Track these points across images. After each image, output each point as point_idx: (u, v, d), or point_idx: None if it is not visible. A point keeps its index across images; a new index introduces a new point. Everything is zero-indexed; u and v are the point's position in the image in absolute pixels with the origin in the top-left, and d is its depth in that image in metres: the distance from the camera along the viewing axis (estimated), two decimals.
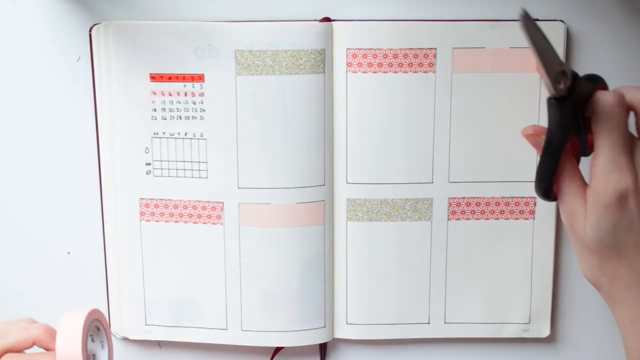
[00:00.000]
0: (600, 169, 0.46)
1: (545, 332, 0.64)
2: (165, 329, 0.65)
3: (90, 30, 0.61)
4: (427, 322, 0.65)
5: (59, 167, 0.64)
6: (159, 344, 0.66)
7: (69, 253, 0.65)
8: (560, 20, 0.60)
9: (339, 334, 0.65)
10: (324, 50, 0.60)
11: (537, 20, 0.60)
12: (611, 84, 0.61)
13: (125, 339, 0.66)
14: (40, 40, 0.62)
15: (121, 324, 0.65)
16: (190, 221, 0.63)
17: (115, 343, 0.66)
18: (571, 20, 0.61)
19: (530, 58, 0.60)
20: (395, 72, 0.60)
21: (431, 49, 0.60)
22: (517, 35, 0.59)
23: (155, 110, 0.61)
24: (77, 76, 0.62)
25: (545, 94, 0.60)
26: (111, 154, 0.62)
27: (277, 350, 0.65)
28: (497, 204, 0.62)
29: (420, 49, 0.60)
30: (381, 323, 0.64)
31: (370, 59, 0.60)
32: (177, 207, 0.63)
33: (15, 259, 0.66)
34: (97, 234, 0.64)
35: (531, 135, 0.50)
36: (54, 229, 0.65)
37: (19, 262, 0.66)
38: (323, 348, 0.66)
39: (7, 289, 0.66)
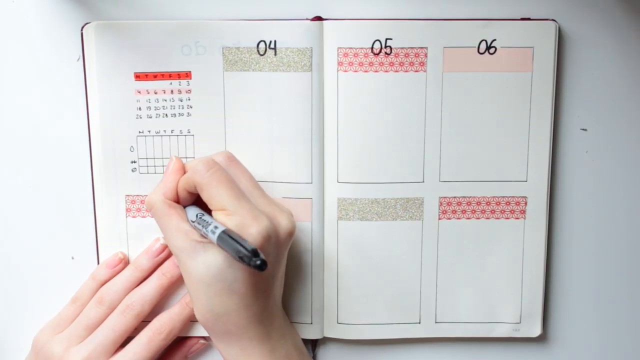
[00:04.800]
0: None
1: (537, 331, 0.66)
2: None
3: (82, 30, 0.62)
4: (418, 321, 0.66)
5: (56, 168, 0.66)
6: None
7: (67, 254, 0.67)
8: (552, 20, 0.62)
9: (329, 334, 0.67)
10: (312, 48, 0.62)
11: (529, 19, 0.62)
12: (604, 84, 0.64)
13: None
14: (42, 39, 0.64)
15: None
16: None
17: None
18: (563, 20, 0.62)
19: (521, 58, 0.63)
20: (386, 71, 0.62)
21: (422, 48, 0.62)
22: (509, 35, 0.62)
23: (140, 109, 0.63)
24: (77, 76, 0.64)
25: (537, 93, 0.63)
26: (98, 154, 0.64)
27: None
28: (488, 203, 0.64)
29: (412, 48, 0.62)
30: (372, 323, 0.66)
31: (361, 58, 0.62)
32: None
33: (9, 260, 0.67)
34: (89, 228, 0.66)
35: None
36: (49, 228, 0.67)
37: (14, 263, 0.67)
38: (313, 347, 0.68)
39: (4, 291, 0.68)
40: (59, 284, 0.67)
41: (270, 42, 0.62)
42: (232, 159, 0.60)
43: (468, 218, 0.65)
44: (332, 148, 0.64)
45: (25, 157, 0.65)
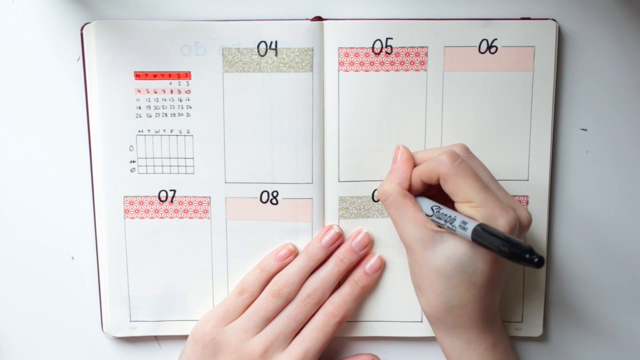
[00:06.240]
0: None
1: (538, 331, 0.67)
2: (151, 324, 0.67)
3: (81, 30, 0.63)
4: (420, 320, 0.67)
5: (56, 168, 0.66)
6: (158, 342, 0.69)
7: (67, 254, 0.68)
8: (552, 19, 0.63)
9: None
10: (312, 49, 0.63)
11: (529, 19, 0.63)
12: (604, 84, 0.64)
13: (124, 338, 0.68)
14: (42, 39, 0.64)
15: (110, 324, 0.67)
16: (176, 216, 0.66)
17: (111, 343, 0.69)
18: (563, 19, 0.63)
19: (522, 57, 0.63)
20: (387, 70, 0.63)
21: (422, 47, 0.63)
22: (509, 35, 0.62)
23: (139, 108, 0.64)
24: (77, 76, 0.64)
25: (538, 93, 0.63)
26: (97, 153, 0.65)
27: None
28: None
29: (412, 47, 0.63)
30: (373, 320, 0.67)
31: (362, 58, 0.63)
32: (163, 203, 0.65)
33: (10, 260, 0.68)
34: (88, 229, 0.67)
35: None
36: (47, 225, 0.67)
37: (14, 263, 0.68)
38: None
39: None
40: (59, 284, 0.68)
41: (271, 42, 0.62)
42: (469, 151, 0.60)
43: None
44: (333, 147, 0.64)
45: (25, 157, 0.66)
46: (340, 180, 0.65)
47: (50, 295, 0.68)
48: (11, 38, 0.64)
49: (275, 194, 0.65)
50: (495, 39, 0.62)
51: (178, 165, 0.65)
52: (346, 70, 0.63)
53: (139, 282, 0.66)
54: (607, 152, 0.65)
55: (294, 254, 0.65)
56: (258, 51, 0.63)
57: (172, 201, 0.65)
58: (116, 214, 0.66)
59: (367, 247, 0.65)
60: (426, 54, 0.63)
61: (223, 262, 0.66)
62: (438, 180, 0.58)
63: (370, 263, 0.65)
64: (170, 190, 0.65)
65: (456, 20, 0.63)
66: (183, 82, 0.63)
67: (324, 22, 0.63)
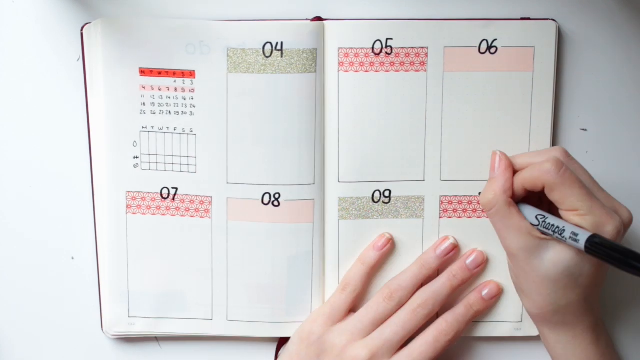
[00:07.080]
0: None
1: (538, 331, 0.66)
2: (149, 321, 0.68)
3: (82, 30, 0.63)
4: None
5: (55, 168, 0.67)
6: (158, 342, 0.69)
7: (67, 254, 0.68)
8: (552, 20, 0.63)
9: None
10: (316, 49, 0.63)
11: (529, 19, 0.63)
12: (604, 84, 0.65)
13: (124, 338, 0.69)
14: (42, 39, 0.65)
15: (109, 319, 0.68)
16: (177, 214, 0.66)
17: (111, 343, 0.69)
18: (563, 19, 0.63)
19: (522, 57, 0.64)
20: (387, 71, 0.63)
21: (423, 47, 0.63)
22: (509, 35, 0.63)
23: (144, 104, 0.64)
24: (76, 76, 0.65)
25: (538, 93, 0.64)
26: (100, 148, 0.65)
27: (280, 342, 0.68)
28: None
29: (412, 47, 0.63)
30: None
31: (362, 58, 0.63)
32: (165, 200, 0.66)
33: (9, 260, 0.68)
34: (88, 229, 0.67)
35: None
36: (47, 224, 0.67)
37: (14, 263, 0.68)
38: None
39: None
40: (59, 283, 0.68)
41: (277, 43, 0.63)
42: (568, 155, 0.59)
43: (469, 217, 0.66)
44: (333, 148, 0.65)
45: (25, 157, 0.67)
46: (340, 180, 0.65)
47: (50, 295, 0.68)
48: (11, 38, 0.65)
49: (277, 195, 0.65)
50: (495, 39, 0.63)
51: (180, 164, 0.65)
52: (346, 71, 0.63)
53: (138, 277, 0.67)
54: (607, 152, 0.66)
55: (391, 242, 0.66)
56: (263, 52, 0.63)
57: (173, 199, 0.66)
58: (118, 208, 0.66)
59: (482, 265, 0.66)
60: (426, 55, 0.63)
61: (223, 262, 0.67)
62: (542, 188, 0.58)
63: (488, 289, 0.66)
64: (173, 188, 0.66)
65: (456, 21, 0.63)
66: (187, 80, 0.64)
67: (325, 22, 0.63)
